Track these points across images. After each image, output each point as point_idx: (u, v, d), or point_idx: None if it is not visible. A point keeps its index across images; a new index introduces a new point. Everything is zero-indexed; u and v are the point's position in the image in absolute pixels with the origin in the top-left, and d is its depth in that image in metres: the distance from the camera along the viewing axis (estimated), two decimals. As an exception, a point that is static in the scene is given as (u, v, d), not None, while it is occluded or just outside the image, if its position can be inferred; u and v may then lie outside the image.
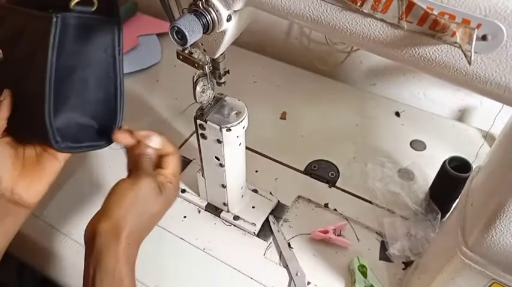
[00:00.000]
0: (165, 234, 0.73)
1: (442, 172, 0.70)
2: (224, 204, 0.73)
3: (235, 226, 0.74)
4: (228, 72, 0.59)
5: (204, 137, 0.63)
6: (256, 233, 0.72)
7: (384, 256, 0.69)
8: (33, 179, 0.52)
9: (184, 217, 0.75)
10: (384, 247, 0.70)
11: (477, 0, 0.32)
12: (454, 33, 0.33)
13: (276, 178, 0.82)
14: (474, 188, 0.48)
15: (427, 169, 0.79)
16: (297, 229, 0.73)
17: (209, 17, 0.46)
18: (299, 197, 0.78)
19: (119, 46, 0.52)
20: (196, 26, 0.45)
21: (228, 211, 0.74)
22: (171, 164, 0.54)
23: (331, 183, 0.81)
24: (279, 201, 0.77)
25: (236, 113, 0.61)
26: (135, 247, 0.49)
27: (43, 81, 0.46)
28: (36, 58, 0.47)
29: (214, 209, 0.75)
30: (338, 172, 0.82)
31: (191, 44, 0.46)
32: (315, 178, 0.82)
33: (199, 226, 0.74)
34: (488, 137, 0.88)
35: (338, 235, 0.71)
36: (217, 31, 0.48)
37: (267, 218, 0.74)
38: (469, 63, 0.33)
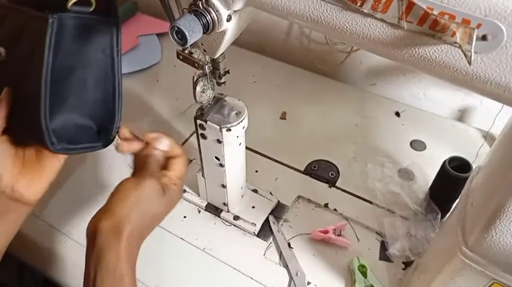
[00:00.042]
0: (165, 234, 0.73)
1: (442, 172, 0.70)
2: (224, 204, 0.73)
3: (235, 226, 0.74)
4: (228, 72, 0.59)
5: (204, 137, 0.63)
6: (256, 233, 0.72)
7: (384, 256, 0.69)
8: (33, 177, 0.52)
9: (184, 217, 0.75)
10: (384, 247, 0.70)
11: (477, 0, 0.32)
12: (454, 33, 0.33)
13: (276, 178, 0.82)
14: (474, 188, 0.48)
15: (427, 169, 0.79)
16: (297, 229, 0.73)
17: (209, 17, 0.46)
18: (299, 197, 0.78)
19: (118, 47, 0.52)
20: (196, 26, 0.45)
21: (228, 211, 0.74)
22: (178, 167, 0.55)
23: (331, 183, 0.81)
24: (279, 201, 0.77)
25: (236, 113, 0.61)
26: (137, 246, 0.49)
27: (39, 82, 0.46)
28: (34, 58, 0.46)
29: (214, 209, 0.75)
30: (338, 172, 0.82)
31: (191, 44, 0.46)
32: (315, 178, 0.82)
33: (199, 226, 0.74)
34: (488, 137, 0.88)
35: (338, 235, 0.71)
36: (217, 31, 0.48)
37: (267, 218, 0.74)
38: (469, 63, 0.33)
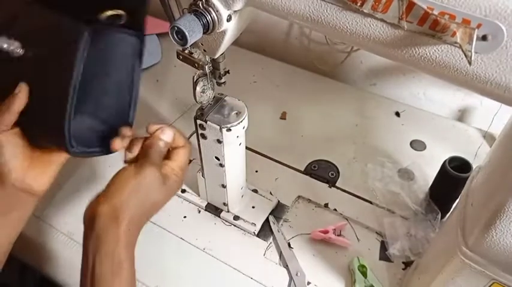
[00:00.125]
0: (165, 234, 0.73)
1: (442, 172, 0.70)
2: (224, 204, 0.73)
3: (235, 226, 0.74)
4: (228, 72, 0.59)
5: (204, 137, 0.63)
6: (256, 233, 0.72)
7: (384, 256, 0.69)
8: (42, 169, 0.53)
9: (184, 217, 0.75)
10: (383, 247, 0.70)
11: (477, 0, 0.32)
12: (454, 33, 0.33)
13: (276, 178, 0.82)
14: (474, 188, 0.48)
15: (427, 169, 0.79)
16: (297, 229, 0.73)
17: (209, 17, 0.46)
18: (299, 197, 0.78)
19: (140, 58, 0.54)
20: (196, 26, 0.45)
21: (228, 211, 0.74)
22: (180, 157, 0.55)
23: (331, 183, 0.81)
24: (279, 201, 0.77)
25: (236, 113, 0.61)
26: (135, 233, 0.49)
27: (66, 89, 0.47)
28: (62, 63, 0.47)
29: (214, 209, 0.75)
30: (338, 172, 0.82)
31: (191, 44, 0.46)
32: (315, 178, 0.82)
33: (199, 226, 0.74)
34: (487, 137, 0.88)
35: (338, 235, 0.71)
36: (217, 31, 0.48)
37: (267, 218, 0.74)
38: (469, 63, 0.33)
